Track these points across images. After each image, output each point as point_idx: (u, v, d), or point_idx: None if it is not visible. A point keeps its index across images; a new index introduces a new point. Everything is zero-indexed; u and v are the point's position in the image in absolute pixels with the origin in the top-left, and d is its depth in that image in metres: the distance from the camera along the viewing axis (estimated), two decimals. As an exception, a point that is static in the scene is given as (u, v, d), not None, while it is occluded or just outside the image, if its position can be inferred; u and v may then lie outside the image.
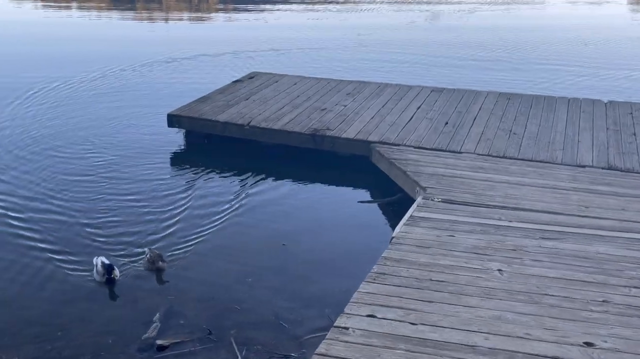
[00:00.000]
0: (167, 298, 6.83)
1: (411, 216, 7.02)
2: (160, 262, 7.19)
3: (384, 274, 5.41)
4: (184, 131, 11.30)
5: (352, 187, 9.78)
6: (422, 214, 7.04)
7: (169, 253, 7.57)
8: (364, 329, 4.50)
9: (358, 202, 9.21)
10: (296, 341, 6.16)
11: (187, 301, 6.78)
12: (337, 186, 9.85)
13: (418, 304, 4.91)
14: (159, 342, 6.05)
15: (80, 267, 7.23)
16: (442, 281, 5.32)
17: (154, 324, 6.30)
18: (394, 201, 9.02)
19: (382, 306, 4.85)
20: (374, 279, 5.29)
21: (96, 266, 6.98)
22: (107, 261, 7.00)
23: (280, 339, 6.17)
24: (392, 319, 4.64)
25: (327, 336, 4.40)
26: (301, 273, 7.31)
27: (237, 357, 5.87)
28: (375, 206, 9.15)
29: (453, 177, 8.28)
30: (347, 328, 4.51)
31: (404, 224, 6.73)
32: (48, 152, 10.72)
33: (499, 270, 5.62)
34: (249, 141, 10.57)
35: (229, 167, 10.18)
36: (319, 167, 10.12)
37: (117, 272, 6.94)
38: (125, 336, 6.20)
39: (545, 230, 6.64)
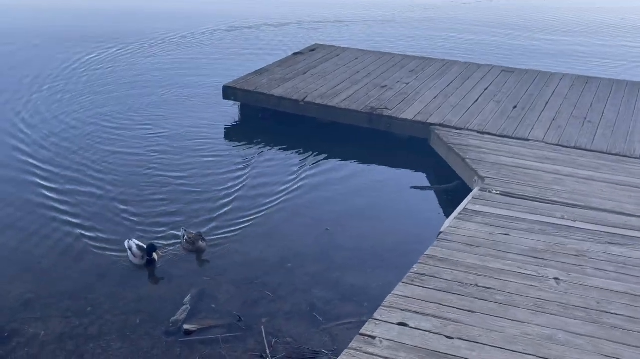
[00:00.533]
0: (202, 279, 6.56)
1: (464, 208, 6.46)
2: (200, 242, 6.90)
3: (424, 275, 4.88)
4: (239, 103, 10.98)
5: (407, 171, 9.26)
6: (476, 208, 6.47)
7: (211, 233, 7.29)
8: (392, 340, 4.01)
9: (411, 187, 8.68)
10: (329, 336, 5.78)
11: (221, 284, 6.50)
12: (391, 169, 9.34)
13: (458, 314, 4.38)
14: (185, 326, 5.80)
15: (118, 245, 7.01)
16: (488, 288, 4.75)
17: (184, 307, 6.04)
18: (450, 188, 8.45)
19: (416, 313, 4.34)
20: (412, 280, 4.78)
21: (130, 249, 6.70)
22: (139, 243, 6.72)
23: (312, 333, 5.80)
24: (425, 331, 4.14)
25: (350, 345, 3.95)
26: (342, 261, 6.90)
27: (265, 348, 5.54)
28: (429, 193, 8.60)
29: (516, 168, 7.63)
30: (373, 337, 4.04)
31: (455, 218, 6.18)
32: (96, 120, 10.62)
33: (556, 279, 5.01)
34: (304, 118, 10.15)
35: (281, 145, 9.83)
36: (374, 148, 9.63)
37: (158, 253, 6.66)
38: (154, 317, 5.98)
39: (614, 234, 5.95)
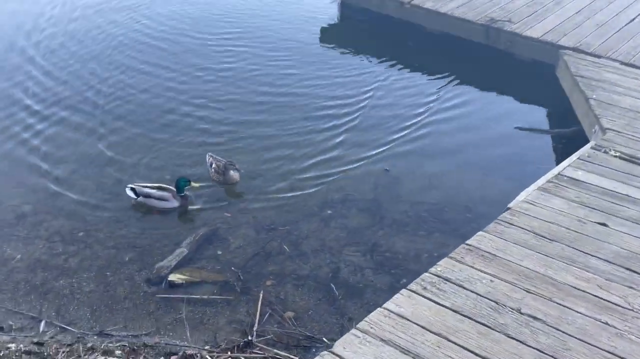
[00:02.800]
0: (221, 216, 5.46)
1: (559, 173, 4.67)
2: (231, 172, 5.70)
3: (447, 281, 3.28)
4: (339, 1, 9.42)
5: (520, 106, 7.48)
6: (577, 175, 4.66)
7: (255, 161, 6.11)
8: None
9: (514, 128, 6.83)
10: (339, 317, 4.54)
11: (240, 226, 5.39)
12: (501, 100, 7.59)
13: (466, 361, 2.83)
14: (171, 277, 4.78)
15: (143, 168, 6.02)
16: (536, 319, 3.08)
17: (179, 251, 5.01)
18: (565, 135, 6.58)
19: (402, 351, 2.72)
20: (424, 287, 3.22)
21: (149, 196, 5.43)
22: (156, 184, 5.55)
23: (320, 310, 4.58)
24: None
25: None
26: (394, 217, 5.49)
27: (255, 323, 4.38)
28: (537, 137, 6.75)
29: (658, 120, 5.57)
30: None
31: (538, 188, 4.44)
32: (175, 14, 9.52)
33: (653, 317, 3.24)
34: (410, 24, 8.46)
35: (377, 55, 8.37)
36: (486, 71, 7.86)
37: (194, 185, 5.50)
38: (147, 256, 5.07)
39: None
